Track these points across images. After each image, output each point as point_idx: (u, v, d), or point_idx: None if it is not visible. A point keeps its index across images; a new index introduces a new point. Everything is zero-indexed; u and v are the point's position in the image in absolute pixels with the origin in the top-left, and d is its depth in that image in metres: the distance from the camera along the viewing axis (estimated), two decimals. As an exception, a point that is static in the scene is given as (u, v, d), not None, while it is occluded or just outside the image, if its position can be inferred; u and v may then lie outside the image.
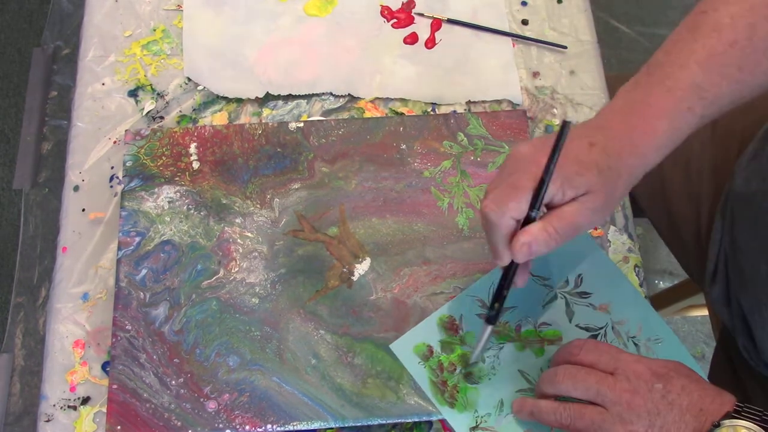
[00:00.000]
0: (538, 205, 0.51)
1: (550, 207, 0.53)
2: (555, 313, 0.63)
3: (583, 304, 0.63)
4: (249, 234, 0.65)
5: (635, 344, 0.62)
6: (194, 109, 0.72)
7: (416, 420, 0.60)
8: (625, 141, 0.52)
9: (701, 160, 0.78)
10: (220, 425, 0.59)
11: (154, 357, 0.61)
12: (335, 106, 0.73)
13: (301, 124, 0.70)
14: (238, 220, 0.66)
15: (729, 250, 0.68)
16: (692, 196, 0.78)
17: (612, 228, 0.69)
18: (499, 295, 0.56)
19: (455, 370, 0.61)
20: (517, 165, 0.52)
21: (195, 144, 0.68)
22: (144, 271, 0.63)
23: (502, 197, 0.51)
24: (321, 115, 0.72)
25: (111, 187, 0.69)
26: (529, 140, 0.54)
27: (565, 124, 0.49)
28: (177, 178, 0.67)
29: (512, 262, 0.54)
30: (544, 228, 0.51)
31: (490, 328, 0.58)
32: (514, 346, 0.62)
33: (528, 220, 0.52)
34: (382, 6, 0.77)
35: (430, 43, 0.76)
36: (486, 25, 0.76)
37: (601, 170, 0.51)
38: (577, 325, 0.63)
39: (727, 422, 0.50)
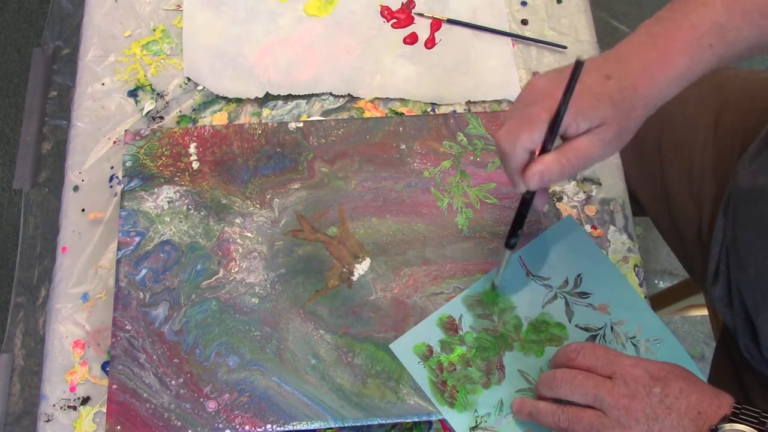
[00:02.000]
0: (553, 137, 0.51)
1: (565, 138, 0.53)
2: (555, 313, 0.63)
3: (583, 305, 0.63)
4: (249, 234, 0.65)
5: (634, 345, 0.62)
6: (194, 109, 0.72)
7: (416, 420, 0.60)
8: (641, 73, 0.52)
9: (703, 159, 0.78)
10: (220, 425, 0.59)
11: (154, 357, 0.61)
12: (335, 106, 0.73)
13: (301, 124, 0.70)
14: (237, 220, 0.66)
15: (731, 249, 0.68)
16: (694, 195, 0.78)
17: (612, 228, 0.69)
18: (519, 221, 0.57)
19: (455, 370, 0.61)
20: (533, 97, 0.52)
21: (195, 144, 0.68)
22: (144, 271, 0.63)
23: (516, 128, 0.51)
24: (321, 115, 0.72)
25: (111, 187, 0.69)
26: (546, 73, 0.55)
27: (578, 63, 0.49)
28: (177, 178, 0.67)
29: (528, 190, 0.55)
30: (558, 158, 0.52)
31: (509, 252, 0.59)
32: (515, 346, 0.62)
33: (543, 151, 0.52)
34: (382, 6, 0.77)
35: (430, 43, 0.76)
36: (486, 25, 0.76)
37: (615, 103, 0.51)
38: (576, 325, 0.63)
39: (725, 426, 0.50)
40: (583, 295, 0.64)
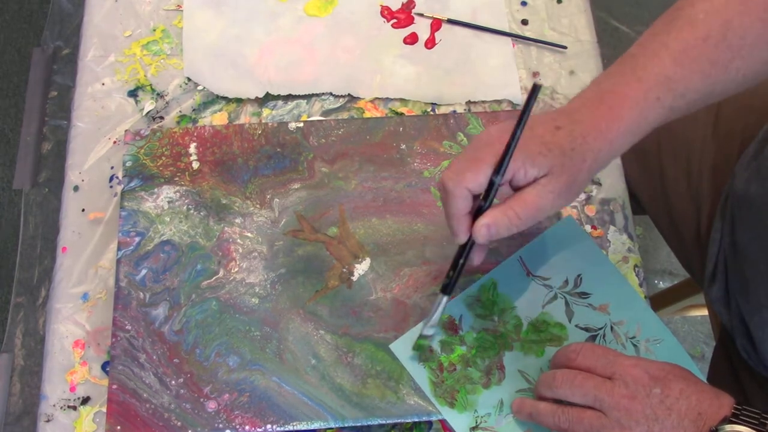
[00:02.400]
0: (502, 171, 0.51)
1: (512, 188, 0.53)
2: (555, 313, 0.63)
3: (583, 305, 0.63)
4: (249, 234, 0.65)
5: (634, 345, 0.62)
6: (194, 109, 0.72)
7: (416, 420, 0.60)
8: (591, 126, 0.52)
9: (701, 159, 0.78)
10: (220, 425, 0.59)
11: (154, 357, 0.61)
12: (335, 106, 0.73)
13: (301, 124, 0.70)
14: (237, 220, 0.66)
15: (728, 251, 0.68)
16: (693, 196, 0.78)
17: (612, 228, 0.69)
18: (456, 269, 0.56)
19: (455, 370, 0.61)
20: (481, 142, 0.53)
21: (195, 144, 0.68)
22: (144, 271, 0.63)
23: (461, 168, 0.52)
24: (321, 115, 0.72)
25: (111, 187, 0.69)
26: (500, 124, 0.55)
27: (536, 87, 0.49)
28: (177, 178, 0.67)
29: (469, 239, 0.54)
30: (505, 212, 0.52)
31: (445, 298, 0.58)
32: (515, 346, 0.62)
33: (486, 199, 0.53)
34: (382, 6, 0.77)
35: (430, 43, 0.76)
36: (486, 25, 0.76)
37: (564, 152, 0.51)
38: (576, 325, 0.63)
39: (726, 427, 0.50)
40: (583, 295, 0.64)
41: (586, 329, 0.63)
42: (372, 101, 0.73)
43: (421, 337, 0.60)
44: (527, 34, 0.77)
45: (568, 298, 0.63)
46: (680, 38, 0.53)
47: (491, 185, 0.52)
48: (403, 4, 0.77)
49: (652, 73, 0.53)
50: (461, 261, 0.56)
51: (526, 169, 0.51)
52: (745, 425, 0.50)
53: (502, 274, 0.64)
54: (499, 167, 0.51)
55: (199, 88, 0.73)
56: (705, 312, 1.15)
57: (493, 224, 0.52)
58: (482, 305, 0.63)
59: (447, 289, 0.57)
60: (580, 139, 0.52)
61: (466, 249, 0.55)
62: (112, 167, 0.70)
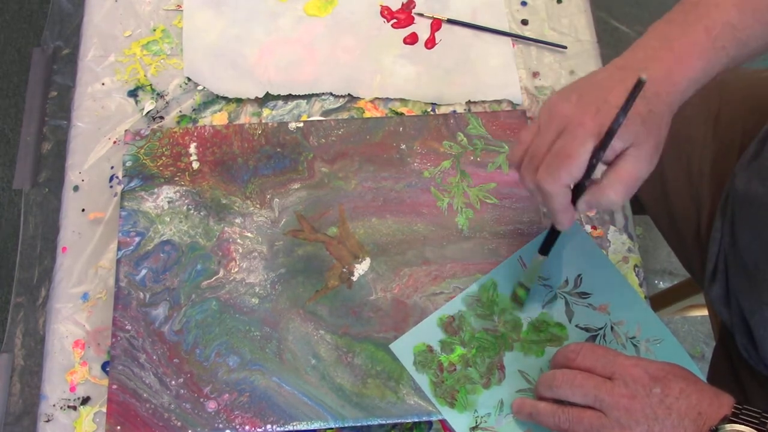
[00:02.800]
0: (594, 167, 0.51)
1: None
2: (555, 313, 0.63)
3: (583, 305, 0.63)
4: (249, 234, 0.65)
5: (634, 345, 0.62)
6: (194, 109, 0.72)
7: (416, 420, 0.60)
8: (663, 79, 0.52)
9: (702, 159, 0.78)
10: (220, 425, 0.59)
11: (154, 357, 0.61)
12: (335, 106, 0.73)
13: (301, 124, 0.70)
14: (237, 220, 0.66)
15: (729, 250, 0.68)
16: (693, 195, 0.78)
17: (612, 228, 0.69)
18: (552, 238, 0.58)
19: (455, 370, 0.61)
20: (560, 124, 0.52)
21: (195, 144, 0.68)
22: (144, 271, 0.63)
23: (555, 167, 0.51)
24: (321, 115, 0.72)
25: (111, 187, 0.69)
26: (564, 94, 0.53)
27: (639, 83, 0.48)
28: (177, 178, 0.67)
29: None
30: (603, 191, 0.52)
31: (541, 258, 0.59)
32: (515, 346, 0.62)
33: (583, 180, 0.52)
34: (382, 6, 0.77)
35: (430, 43, 0.76)
36: (486, 25, 0.76)
37: (644, 119, 0.51)
38: (576, 325, 0.63)
39: (726, 427, 0.50)
40: (583, 295, 0.64)
41: (586, 329, 0.63)
42: (372, 101, 0.73)
43: (521, 285, 0.62)
44: (527, 34, 0.77)
45: (568, 298, 0.63)
46: None
47: (586, 176, 0.52)
48: (403, 4, 0.77)
49: (719, 21, 0.52)
50: (556, 234, 0.58)
51: (613, 146, 0.51)
52: (745, 425, 0.50)
53: (503, 274, 0.64)
54: (591, 165, 0.51)
55: (199, 88, 0.73)
56: (705, 312, 1.15)
57: (594, 201, 0.52)
58: (482, 305, 0.63)
59: (544, 250, 0.59)
60: (654, 98, 0.51)
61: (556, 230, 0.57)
62: (112, 167, 0.70)
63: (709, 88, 0.73)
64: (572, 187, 0.52)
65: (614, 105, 0.50)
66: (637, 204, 0.84)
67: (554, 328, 0.62)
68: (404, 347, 0.61)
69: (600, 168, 0.52)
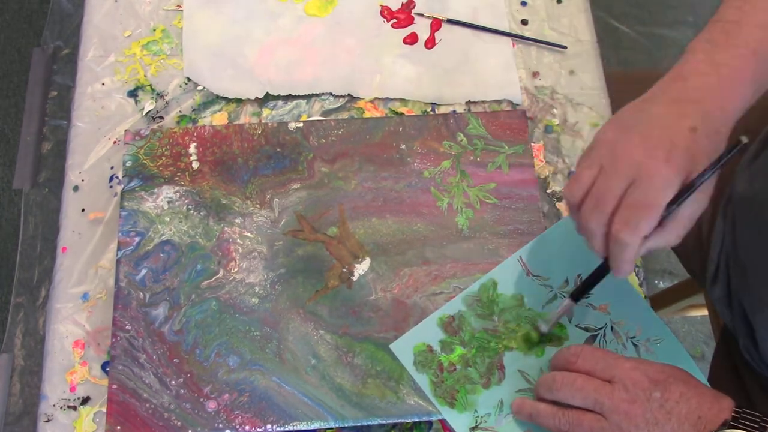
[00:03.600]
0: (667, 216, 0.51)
1: None
2: (555, 313, 0.63)
3: (583, 305, 0.63)
4: (249, 234, 0.65)
5: (634, 344, 0.62)
6: (194, 109, 0.72)
7: (416, 420, 0.60)
8: (719, 113, 0.51)
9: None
10: (220, 425, 0.59)
11: (154, 357, 0.61)
12: (335, 106, 0.73)
13: (301, 124, 0.70)
14: (237, 220, 0.66)
15: (730, 251, 0.68)
16: None
17: (612, 228, 0.69)
18: (592, 284, 0.59)
19: (455, 370, 0.61)
20: (632, 172, 0.51)
21: (195, 144, 0.68)
22: (144, 271, 0.63)
23: (635, 219, 0.50)
24: (321, 115, 0.72)
25: (111, 187, 0.69)
26: (624, 133, 0.52)
27: (741, 144, 0.48)
28: (177, 178, 0.67)
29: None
30: (665, 236, 0.52)
31: (570, 303, 0.60)
32: (515, 346, 0.62)
33: None
34: (382, 6, 0.77)
35: (430, 43, 0.76)
36: (486, 25, 0.76)
37: (709, 156, 0.51)
38: (576, 325, 0.63)
39: (726, 431, 0.50)
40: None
41: (586, 329, 0.63)
42: (372, 101, 0.73)
43: (534, 329, 0.62)
44: (527, 34, 0.77)
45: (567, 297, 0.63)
46: None
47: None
48: (403, 4, 0.77)
49: (765, 43, 0.51)
50: (600, 279, 0.58)
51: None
52: (745, 429, 0.50)
53: (503, 274, 0.64)
54: (664, 218, 0.51)
55: (199, 88, 0.73)
56: (705, 312, 1.15)
57: (652, 246, 0.53)
58: (482, 305, 0.63)
59: (575, 296, 0.60)
60: (713, 134, 0.51)
61: (605, 269, 0.57)
62: (112, 167, 0.70)
63: None
64: None
65: (683, 148, 0.50)
66: None
67: (554, 328, 0.62)
68: (404, 347, 0.61)
69: None
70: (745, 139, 0.48)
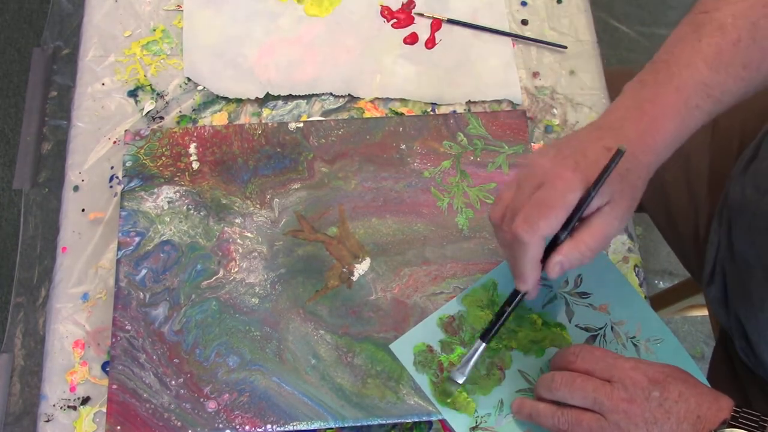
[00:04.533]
0: (572, 226, 0.52)
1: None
2: (555, 313, 0.63)
3: (583, 305, 0.63)
4: (249, 234, 0.65)
5: (634, 345, 0.62)
6: (194, 110, 0.72)
7: (416, 420, 0.60)
8: (638, 142, 0.52)
9: (700, 161, 0.78)
10: (220, 425, 0.59)
11: (154, 357, 0.61)
12: (335, 106, 0.73)
13: (301, 125, 0.70)
14: (237, 221, 0.66)
15: (725, 255, 0.69)
16: (691, 196, 0.78)
17: (612, 228, 0.69)
18: (501, 313, 0.58)
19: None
20: (540, 179, 0.52)
21: (195, 144, 0.68)
22: (144, 271, 0.63)
23: (534, 216, 0.51)
24: (321, 115, 0.72)
25: (111, 187, 0.69)
26: (543, 151, 0.54)
27: (619, 152, 0.49)
28: (177, 179, 0.67)
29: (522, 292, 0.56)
30: (576, 246, 0.52)
31: (483, 345, 0.58)
32: (515, 346, 0.62)
33: (556, 238, 0.53)
34: (382, 6, 0.77)
35: (430, 43, 0.76)
36: (486, 25, 0.76)
37: (621, 176, 0.51)
38: (576, 325, 0.63)
39: (725, 431, 0.50)
40: (583, 295, 0.64)
41: (586, 329, 0.63)
42: (372, 101, 0.73)
43: (449, 380, 0.60)
44: (527, 34, 0.77)
45: (568, 298, 0.63)
46: (712, 43, 0.53)
47: (557, 235, 0.52)
48: (403, 4, 0.77)
49: (690, 81, 0.53)
50: (509, 309, 0.57)
51: (590, 205, 0.52)
52: (744, 428, 0.50)
53: (502, 274, 0.64)
54: (568, 222, 0.51)
55: (199, 88, 0.73)
56: (705, 312, 1.15)
57: (566, 260, 0.52)
58: (482, 305, 0.63)
59: (486, 336, 0.58)
60: (632, 158, 0.52)
61: (518, 297, 0.57)
62: (112, 167, 0.70)
63: None
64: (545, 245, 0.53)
65: (592, 160, 0.51)
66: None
67: (554, 328, 0.62)
68: (404, 347, 0.61)
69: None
70: (623, 147, 0.49)
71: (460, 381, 0.59)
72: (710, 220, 0.74)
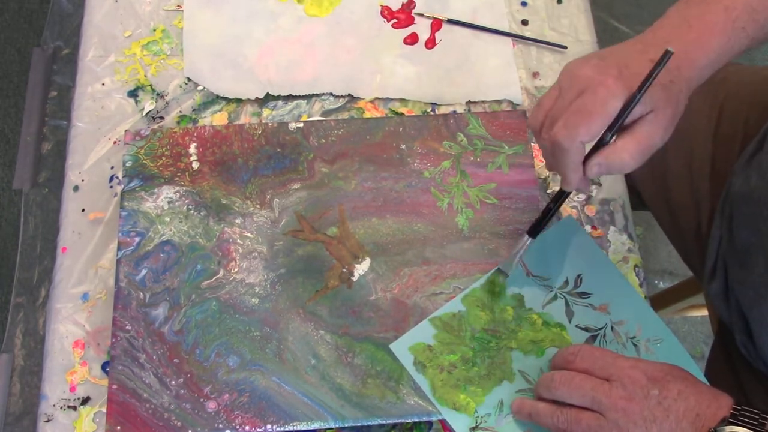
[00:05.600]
0: (615, 130, 0.52)
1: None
2: (555, 314, 0.63)
3: (583, 305, 0.63)
4: (249, 234, 0.65)
5: (634, 344, 0.62)
6: (194, 110, 0.72)
7: (416, 420, 0.60)
8: (683, 56, 0.53)
9: (703, 155, 0.78)
10: (220, 425, 0.59)
11: (154, 357, 0.61)
12: (335, 106, 0.73)
13: (301, 125, 0.70)
14: (237, 221, 0.66)
15: (728, 247, 0.69)
16: (693, 191, 0.78)
17: (612, 228, 0.69)
18: (547, 211, 0.59)
19: (455, 369, 0.61)
20: (580, 85, 0.52)
21: (195, 144, 0.68)
22: (144, 272, 0.63)
23: (574, 122, 0.51)
24: (321, 115, 0.72)
25: (111, 187, 0.69)
26: (584, 59, 0.54)
27: (667, 53, 0.49)
28: (177, 179, 0.67)
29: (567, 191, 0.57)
30: (618, 151, 0.52)
31: (529, 240, 0.61)
32: (515, 346, 0.62)
33: (600, 143, 0.53)
34: (382, 6, 0.77)
35: (430, 43, 0.76)
36: (486, 25, 0.76)
37: (664, 86, 0.52)
38: (576, 326, 0.63)
39: (725, 429, 0.50)
40: (583, 295, 0.64)
41: (586, 329, 0.63)
42: (372, 101, 0.73)
43: (499, 271, 0.63)
44: (527, 34, 0.77)
45: (568, 298, 0.63)
46: None
47: (602, 140, 0.53)
48: (403, 4, 0.77)
49: (739, 2, 0.53)
50: (554, 206, 0.59)
51: (633, 112, 0.51)
52: (743, 426, 0.50)
53: (504, 272, 0.64)
54: (612, 126, 0.51)
55: (199, 88, 0.73)
56: (705, 312, 1.15)
57: (606, 163, 0.53)
58: (482, 305, 0.63)
59: (533, 232, 0.60)
60: (675, 71, 0.52)
61: (562, 196, 0.58)
62: (112, 167, 0.70)
63: (712, 83, 0.74)
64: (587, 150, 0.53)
65: (635, 71, 0.51)
66: (637, 199, 0.84)
67: (554, 328, 0.62)
68: (404, 347, 0.61)
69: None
70: (671, 48, 0.49)
71: (509, 272, 0.62)
72: (712, 215, 0.74)
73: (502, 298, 0.63)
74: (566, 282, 0.64)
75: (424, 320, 0.62)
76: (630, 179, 0.72)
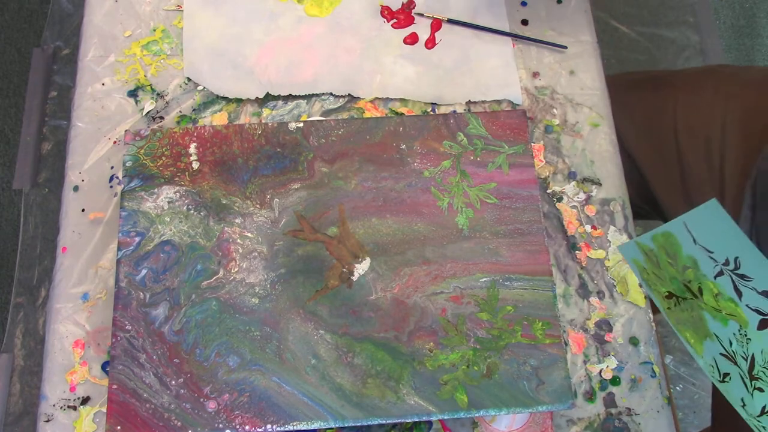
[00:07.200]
0: None
1: None
2: (725, 288, 0.58)
3: (748, 287, 0.58)
4: (249, 234, 0.65)
5: None
6: (194, 110, 0.72)
7: (416, 420, 0.60)
8: None
9: (723, 144, 0.76)
10: (220, 425, 0.59)
11: (154, 357, 0.61)
12: (335, 106, 0.73)
13: (301, 124, 0.70)
14: (237, 221, 0.66)
15: (751, 228, 0.67)
16: (713, 181, 0.77)
17: (612, 228, 0.69)
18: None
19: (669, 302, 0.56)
20: None
21: (195, 144, 0.68)
22: (144, 272, 0.63)
23: None
24: (321, 115, 0.72)
25: (111, 187, 0.69)
26: None
27: None
28: (177, 179, 0.67)
29: None
30: None
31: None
32: (704, 308, 0.58)
33: None
34: (382, 6, 0.77)
35: (430, 43, 0.76)
36: (486, 25, 0.76)
37: None
38: (747, 305, 0.57)
39: None
40: (745, 278, 0.58)
41: (758, 311, 0.57)
42: (372, 101, 0.73)
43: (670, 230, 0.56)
44: (527, 34, 0.77)
45: (733, 276, 0.59)
46: None
47: None
48: (403, 4, 0.77)
49: None
50: None
51: None
52: None
53: (676, 231, 0.60)
54: None
55: (199, 88, 0.73)
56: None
57: None
58: (667, 253, 0.59)
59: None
60: None
61: None
62: (112, 167, 0.70)
63: (723, 76, 0.72)
64: None
65: None
66: (646, 207, 0.83)
67: (728, 302, 0.58)
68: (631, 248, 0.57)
69: None
70: None
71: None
72: (741, 199, 0.72)
73: (680, 255, 0.59)
74: (727, 261, 0.59)
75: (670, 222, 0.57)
76: (642, 179, 0.70)
